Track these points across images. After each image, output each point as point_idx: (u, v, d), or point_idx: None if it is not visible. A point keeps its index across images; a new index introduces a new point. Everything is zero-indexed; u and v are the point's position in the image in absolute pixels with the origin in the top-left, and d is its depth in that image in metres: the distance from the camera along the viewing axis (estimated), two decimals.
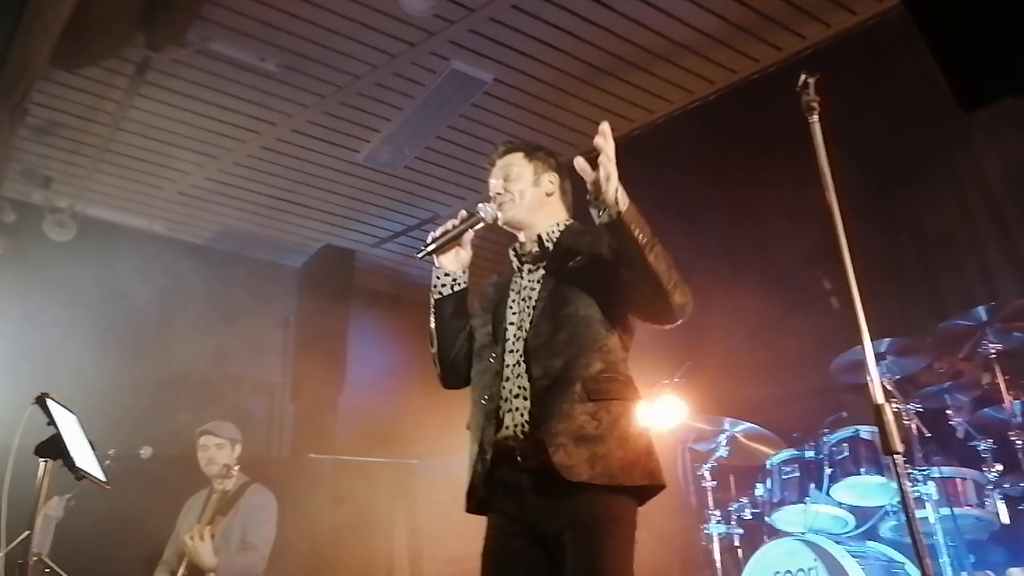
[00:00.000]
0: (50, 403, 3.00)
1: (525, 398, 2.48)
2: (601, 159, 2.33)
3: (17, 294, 5.80)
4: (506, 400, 2.51)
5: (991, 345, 4.10)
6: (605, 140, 2.34)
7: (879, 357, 4.06)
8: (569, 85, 5.78)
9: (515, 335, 2.58)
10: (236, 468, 4.58)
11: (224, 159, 6.42)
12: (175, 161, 6.40)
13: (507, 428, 2.48)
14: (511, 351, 2.56)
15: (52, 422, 2.97)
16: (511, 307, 2.67)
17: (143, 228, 7.06)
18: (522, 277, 2.72)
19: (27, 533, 3.07)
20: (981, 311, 4.11)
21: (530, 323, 2.56)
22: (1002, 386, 4.02)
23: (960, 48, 0.94)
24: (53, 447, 2.93)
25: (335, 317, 7.29)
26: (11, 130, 4.92)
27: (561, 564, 2.34)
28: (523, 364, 2.51)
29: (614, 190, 2.33)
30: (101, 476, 3.18)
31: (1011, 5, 0.98)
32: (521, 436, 2.45)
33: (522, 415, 2.47)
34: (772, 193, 5.33)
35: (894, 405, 3.99)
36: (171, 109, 5.87)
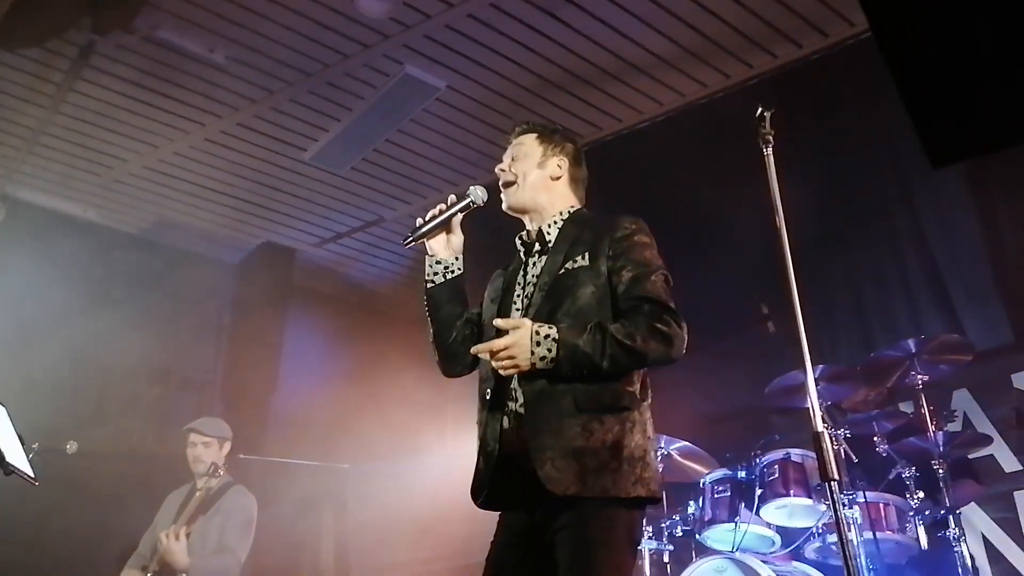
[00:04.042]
0: None
1: (518, 400, 2.37)
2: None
3: None
4: (509, 398, 2.39)
5: (918, 376, 4.26)
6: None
7: None
8: (521, 97, 5.80)
9: None
10: (223, 468, 4.52)
11: (165, 149, 6.28)
12: (113, 148, 6.25)
13: (505, 428, 2.39)
14: None
15: None
16: (515, 301, 2.54)
17: (76, 215, 6.86)
18: (527, 269, 2.58)
19: None
20: (910, 343, 4.26)
21: None
22: (926, 416, 4.18)
23: (937, 102, 0.96)
24: None
25: (271, 315, 7.16)
26: None
27: (555, 571, 2.23)
28: None
29: (528, 368, 2.27)
30: (30, 472, 3.07)
31: (1000, 60, 1.01)
32: (515, 439, 2.34)
33: (515, 418, 2.37)
34: (714, 217, 5.43)
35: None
36: (113, 95, 5.72)
